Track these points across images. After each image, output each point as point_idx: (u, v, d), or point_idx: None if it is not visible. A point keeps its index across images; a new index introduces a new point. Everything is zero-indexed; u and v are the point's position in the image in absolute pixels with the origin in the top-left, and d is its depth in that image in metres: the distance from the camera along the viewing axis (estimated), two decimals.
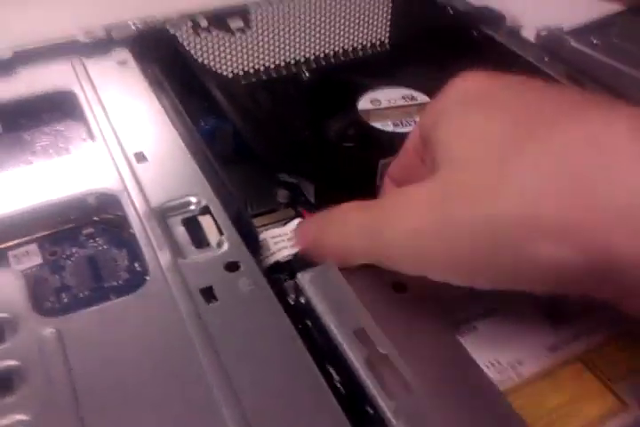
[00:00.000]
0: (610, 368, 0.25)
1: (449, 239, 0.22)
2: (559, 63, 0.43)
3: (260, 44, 0.45)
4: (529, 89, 0.25)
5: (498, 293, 0.26)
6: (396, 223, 0.24)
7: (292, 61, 0.46)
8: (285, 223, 0.33)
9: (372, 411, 0.23)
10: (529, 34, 0.49)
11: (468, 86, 0.26)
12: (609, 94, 0.39)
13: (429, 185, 0.24)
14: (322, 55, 0.47)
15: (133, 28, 0.42)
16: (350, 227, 0.26)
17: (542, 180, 0.21)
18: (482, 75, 0.26)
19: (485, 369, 0.25)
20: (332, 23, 0.47)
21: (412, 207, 0.24)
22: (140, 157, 0.32)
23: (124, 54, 0.41)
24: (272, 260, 0.30)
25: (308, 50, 0.47)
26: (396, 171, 0.31)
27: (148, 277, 0.26)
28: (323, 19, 0.47)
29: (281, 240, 0.31)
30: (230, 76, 0.44)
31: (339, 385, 0.25)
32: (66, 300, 0.27)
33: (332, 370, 0.25)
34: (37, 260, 0.29)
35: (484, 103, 0.25)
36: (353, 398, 0.23)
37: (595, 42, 0.49)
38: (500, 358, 0.25)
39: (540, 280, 0.22)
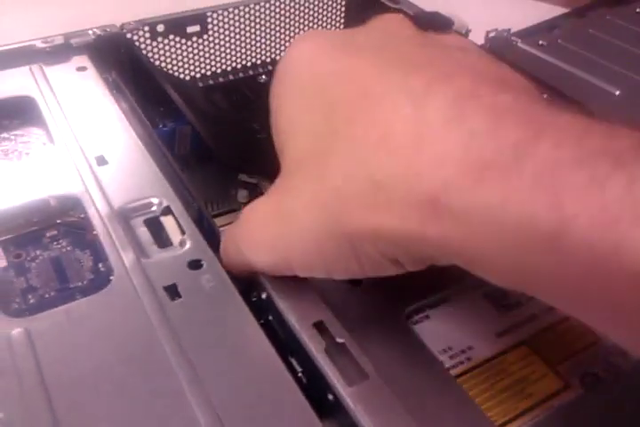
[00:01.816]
0: (553, 351, 0.26)
1: (300, 250, 0.24)
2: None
3: (217, 47, 0.46)
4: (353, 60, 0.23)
5: (448, 283, 0.28)
6: (247, 242, 0.26)
7: (249, 64, 0.47)
8: None
9: (332, 398, 0.24)
10: (479, 37, 0.51)
11: (302, 61, 0.25)
12: (551, 94, 0.41)
13: (267, 199, 0.25)
14: (278, 58, 0.48)
15: (92, 35, 0.42)
16: (226, 243, 0.28)
17: (349, 185, 0.21)
18: (312, 44, 0.25)
19: (438, 355, 0.26)
20: (288, 27, 0.48)
21: (256, 224, 0.26)
22: (101, 161, 0.33)
23: (84, 61, 0.41)
24: None
25: (264, 53, 0.48)
26: None
27: (112, 277, 0.27)
28: (278, 22, 0.48)
29: None
30: (188, 79, 0.45)
31: (301, 375, 0.26)
32: (32, 301, 0.28)
33: (294, 362, 0.26)
34: (2, 263, 0.29)
35: (309, 87, 0.24)
36: (315, 387, 0.25)
37: (540, 43, 0.51)
38: (452, 345, 0.27)
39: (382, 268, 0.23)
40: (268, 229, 0.25)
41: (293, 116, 0.25)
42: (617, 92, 0.45)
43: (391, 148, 0.20)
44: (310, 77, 0.24)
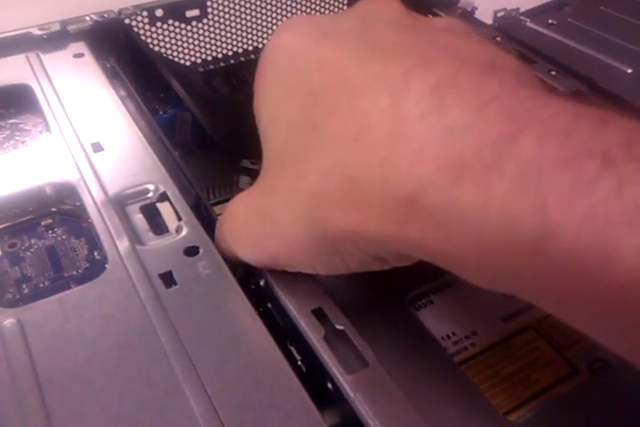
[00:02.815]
0: (561, 335, 0.26)
1: (283, 249, 0.24)
2: (511, 42, 0.44)
3: (217, 31, 0.45)
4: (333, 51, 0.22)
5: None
6: (233, 240, 0.26)
7: (250, 48, 0.46)
8: None
9: (331, 386, 0.23)
10: (487, 17, 0.50)
11: (282, 51, 0.24)
12: (561, 72, 0.39)
13: (249, 196, 0.25)
14: None
15: (89, 21, 0.41)
16: (218, 237, 0.27)
17: (326, 184, 0.20)
18: (293, 32, 0.24)
19: (441, 341, 0.25)
20: (289, 9, 0.47)
21: (239, 223, 0.26)
22: (97, 147, 0.32)
23: (81, 47, 0.41)
24: None
25: (265, 36, 0.47)
26: None
27: (107, 266, 0.27)
28: (279, 4, 0.47)
29: None
30: (188, 64, 0.44)
31: (300, 364, 0.25)
32: (26, 291, 0.27)
33: (293, 350, 0.26)
34: None
35: (288, 78, 0.23)
36: (314, 375, 0.24)
37: (550, 22, 0.50)
38: (456, 330, 0.26)
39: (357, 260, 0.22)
40: (251, 229, 0.25)
41: (274, 108, 0.24)
42: (629, 71, 0.44)
43: (368, 144, 0.19)
44: (290, 68, 0.23)
